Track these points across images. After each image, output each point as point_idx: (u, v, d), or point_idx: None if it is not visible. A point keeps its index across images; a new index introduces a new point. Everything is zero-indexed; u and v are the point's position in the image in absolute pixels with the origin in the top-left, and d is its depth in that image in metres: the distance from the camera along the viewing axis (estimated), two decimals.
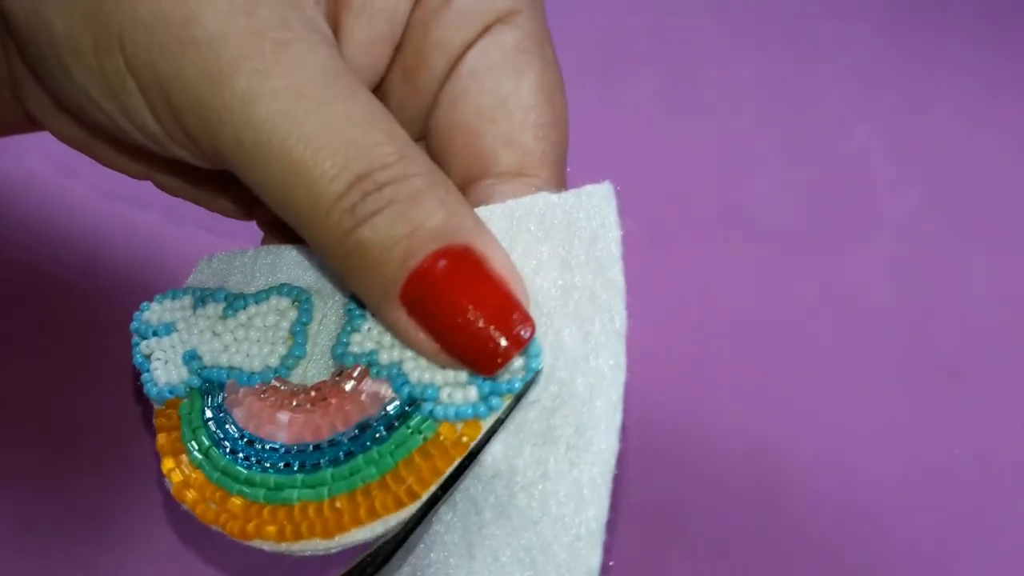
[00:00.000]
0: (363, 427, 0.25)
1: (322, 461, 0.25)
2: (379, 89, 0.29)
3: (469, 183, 0.28)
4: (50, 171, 0.43)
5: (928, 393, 0.39)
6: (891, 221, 0.44)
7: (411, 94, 0.28)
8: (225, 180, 0.31)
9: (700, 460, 0.37)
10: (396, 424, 0.25)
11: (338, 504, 0.24)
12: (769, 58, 0.47)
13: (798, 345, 0.40)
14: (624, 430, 0.23)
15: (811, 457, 0.37)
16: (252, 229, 0.33)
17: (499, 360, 0.24)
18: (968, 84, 0.47)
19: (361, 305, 0.26)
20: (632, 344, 0.39)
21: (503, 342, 0.23)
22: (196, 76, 0.23)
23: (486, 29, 0.27)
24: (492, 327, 0.23)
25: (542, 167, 0.27)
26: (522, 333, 0.24)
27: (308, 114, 0.23)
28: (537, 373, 0.24)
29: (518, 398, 0.24)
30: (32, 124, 0.31)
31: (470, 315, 0.23)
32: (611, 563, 0.35)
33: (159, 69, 0.24)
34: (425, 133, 0.29)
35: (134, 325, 0.29)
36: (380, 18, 0.27)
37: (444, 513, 0.25)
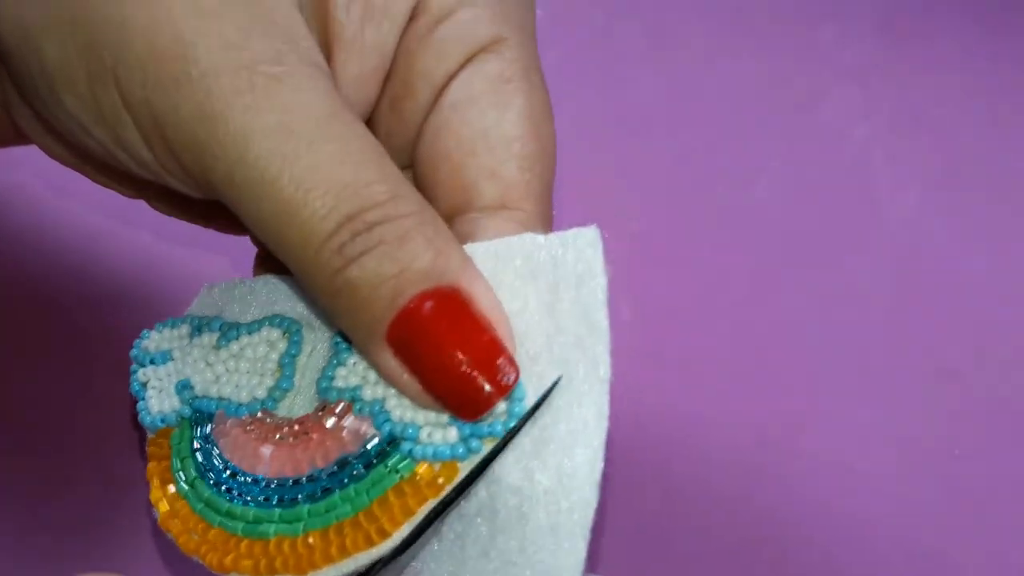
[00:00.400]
0: (342, 463, 0.25)
1: (300, 496, 0.25)
2: (369, 119, 0.29)
3: (454, 216, 0.28)
4: (42, 185, 0.43)
5: (927, 393, 0.39)
6: (891, 221, 0.44)
7: (398, 123, 0.28)
8: (220, 206, 0.31)
9: (696, 460, 0.37)
10: (375, 462, 0.25)
11: (311, 540, 0.24)
12: (769, 58, 0.47)
13: (796, 345, 0.40)
14: (610, 441, 0.23)
15: (809, 457, 0.37)
16: (246, 243, 0.33)
17: (482, 406, 0.24)
18: (969, 84, 0.47)
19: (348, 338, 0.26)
20: (630, 343, 0.39)
21: (487, 388, 0.24)
22: (190, 112, 0.24)
23: (469, 59, 0.27)
24: (476, 372, 0.24)
25: (526, 199, 0.27)
26: (506, 380, 0.24)
27: (299, 153, 0.23)
28: (521, 418, 0.24)
29: (504, 442, 0.24)
30: (23, 138, 0.30)
31: (455, 359, 0.24)
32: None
33: (154, 104, 0.24)
34: (412, 162, 0.29)
35: (133, 352, 0.29)
36: (371, 53, 0.27)
37: (432, 542, 0.25)
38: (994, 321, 0.41)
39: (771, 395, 0.39)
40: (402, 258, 0.24)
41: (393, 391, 0.25)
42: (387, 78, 0.28)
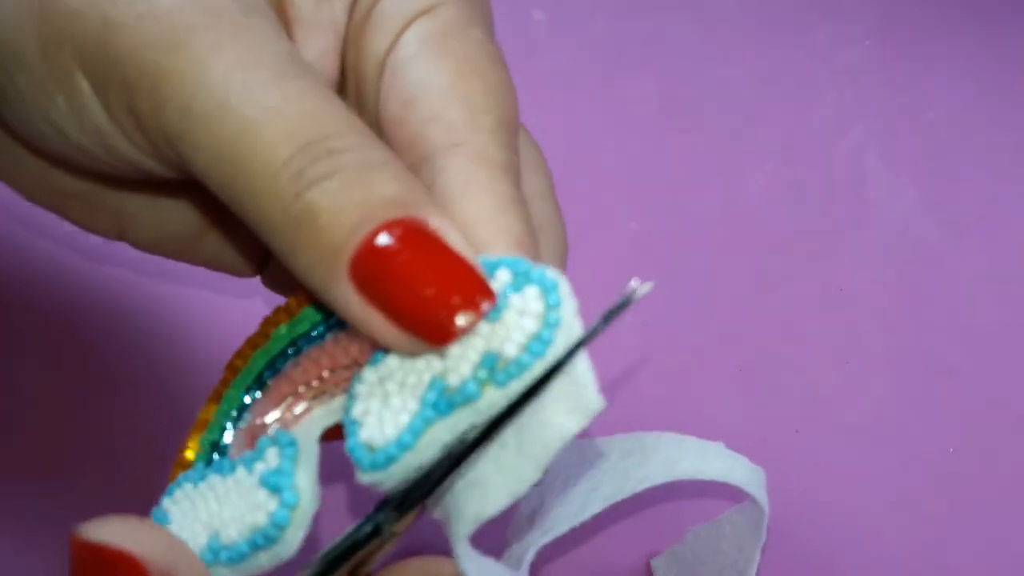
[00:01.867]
0: None
1: None
2: None
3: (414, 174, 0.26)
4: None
5: (923, 392, 0.40)
6: (886, 221, 0.44)
7: (364, 113, 0.27)
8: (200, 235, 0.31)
9: None
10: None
11: None
12: (765, 61, 0.48)
13: (792, 344, 0.41)
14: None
15: (805, 456, 0.38)
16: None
17: (455, 328, 0.22)
18: (963, 86, 0.48)
19: None
20: (627, 342, 0.40)
21: (460, 312, 0.22)
22: (152, 46, 0.23)
23: (406, 27, 0.26)
24: (448, 296, 0.22)
25: (475, 133, 0.25)
26: (483, 304, 0.22)
27: (261, 83, 0.23)
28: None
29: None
30: None
31: (425, 283, 0.22)
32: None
33: (112, 45, 0.23)
34: None
35: None
36: (327, 31, 0.27)
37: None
38: (989, 320, 0.42)
39: (767, 394, 0.39)
40: (366, 185, 0.22)
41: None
42: (347, 75, 0.27)
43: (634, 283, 0.23)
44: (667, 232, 0.43)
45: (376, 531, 0.23)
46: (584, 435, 0.23)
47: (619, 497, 0.28)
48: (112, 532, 0.22)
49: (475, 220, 0.24)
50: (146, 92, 0.23)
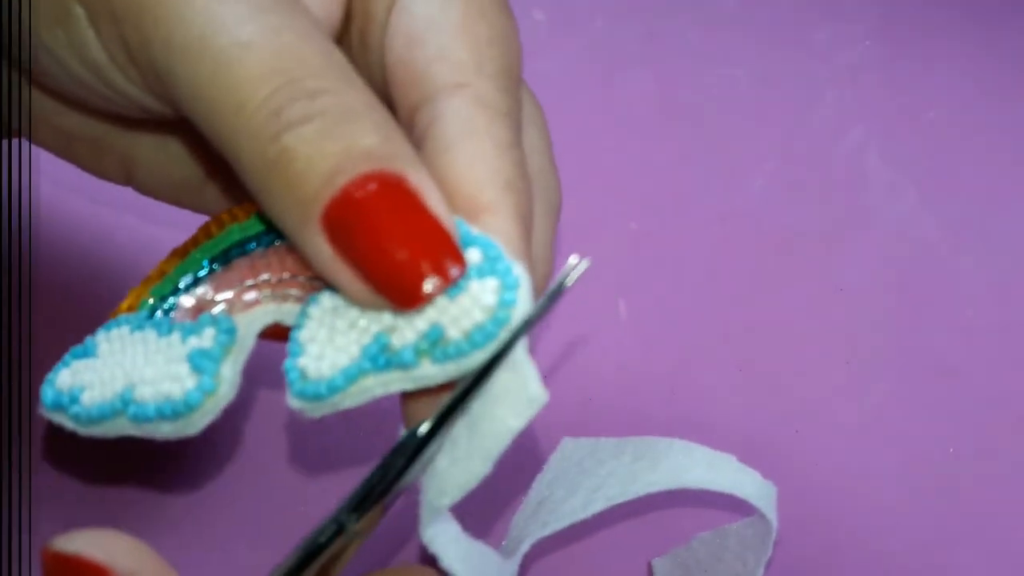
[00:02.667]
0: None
1: None
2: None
3: (415, 113, 0.26)
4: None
5: (923, 391, 0.40)
6: (887, 221, 0.44)
7: (370, 55, 0.27)
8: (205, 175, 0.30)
9: None
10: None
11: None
12: (765, 61, 0.48)
13: (793, 344, 0.40)
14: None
15: (805, 456, 0.38)
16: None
17: (421, 294, 0.22)
18: (963, 86, 0.48)
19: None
20: (627, 342, 0.40)
21: (430, 276, 0.22)
22: None
23: None
24: (420, 258, 0.22)
25: (479, 77, 0.25)
26: (451, 272, 0.22)
27: (241, 17, 0.22)
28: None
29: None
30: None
31: (397, 243, 0.22)
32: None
33: None
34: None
35: None
36: None
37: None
38: (989, 320, 0.42)
39: (767, 395, 0.39)
40: (345, 134, 0.22)
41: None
42: (352, 17, 0.27)
43: (573, 259, 0.24)
44: (667, 232, 0.43)
45: (339, 531, 0.23)
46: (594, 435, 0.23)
47: (624, 498, 0.28)
48: (82, 543, 0.22)
49: (469, 162, 0.24)
50: (133, 25, 0.23)
